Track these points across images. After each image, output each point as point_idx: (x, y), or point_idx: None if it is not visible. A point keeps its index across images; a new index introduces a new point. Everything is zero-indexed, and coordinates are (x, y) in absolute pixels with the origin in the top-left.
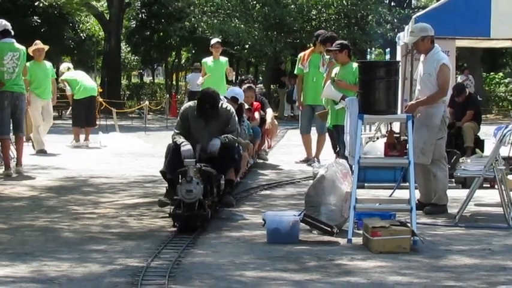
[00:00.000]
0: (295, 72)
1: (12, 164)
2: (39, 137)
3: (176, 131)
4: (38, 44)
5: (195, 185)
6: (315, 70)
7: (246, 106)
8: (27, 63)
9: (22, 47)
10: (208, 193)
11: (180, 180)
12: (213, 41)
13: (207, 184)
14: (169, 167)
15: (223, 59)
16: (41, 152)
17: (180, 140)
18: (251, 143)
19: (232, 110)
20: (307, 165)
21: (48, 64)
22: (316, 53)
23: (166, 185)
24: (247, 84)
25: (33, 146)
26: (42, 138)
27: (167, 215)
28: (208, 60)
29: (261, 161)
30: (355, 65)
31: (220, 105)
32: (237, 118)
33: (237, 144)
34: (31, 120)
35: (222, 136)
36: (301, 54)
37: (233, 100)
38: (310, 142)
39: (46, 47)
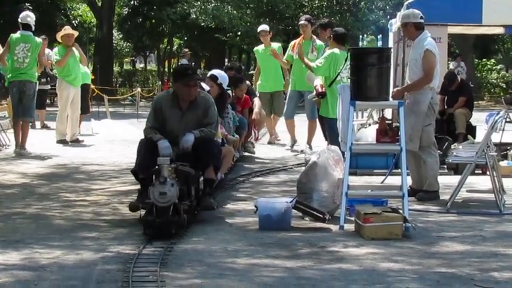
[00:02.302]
0: (285, 58)
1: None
2: (62, 127)
3: (149, 125)
4: (67, 30)
5: (170, 187)
6: (305, 57)
7: (233, 94)
8: (55, 49)
9: (37, 39)
10: (185, 196)
11: (153, 181)
12: (259, 28)
13: (183, 186)
14: (142, 166)
15: (276, 45)
16: (61, 142)
17: (156, 136)
18: (237, 135)
19: (212, 99)
20: (299, 152)
21: (76, 51)
22: (306, 40)
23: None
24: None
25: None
26: (65, 128)
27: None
28: (259, 48)
29: (248, 154)
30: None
31: (198, 93)
32: (216, 109)
33: (216, 139)
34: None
35: (197, 130)
36: (292, 42)
37: (211, 79)
38: (293, 127)
39: (76, 33)
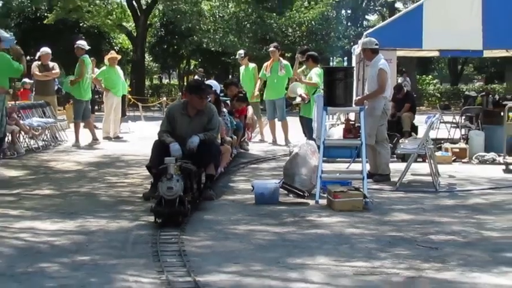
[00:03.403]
0: (260, 76)
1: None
2: (107, 127)
3: (162, 129)
4: (113, 54)
5: (175, 182)
6: (275, 74)
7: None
8: (103, 68)
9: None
10: (188, 189)
11: (160, 178)
12: (237, 53)
13: (187, 181)
14: (155, 163)
15: (252, 65)
16: (106, 138)
17: (169, 139)
18: (235, 136)
19: (215, 109)
20: (284, 146)
21: (119, 69)
22: (275, 62)
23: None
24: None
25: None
26: (110, 128)
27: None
28: (241, 68)
29: (243, 150)
30: (319, 69)
31: (206, 100)
32: (218, 116)
33: (217, 141)
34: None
35: (202, 134)
36: (265, 64)
37: (210, 87)
38: (274, 126)
39: (119, 56)
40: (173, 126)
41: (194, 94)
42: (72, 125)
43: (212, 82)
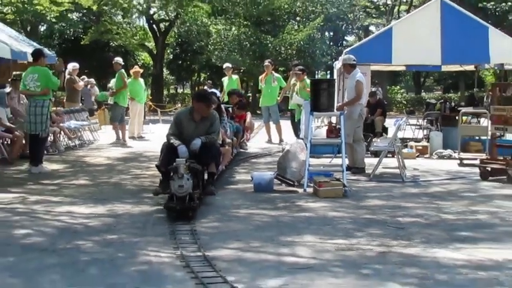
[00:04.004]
0: (259, 87)
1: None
2: (132, 128)
3: (170, 132)
4: (136, 68)
5: (186, 181)
6: (269, 85)
7: (230, 109)
8: (129, 80)
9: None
10: (196, 186)
11: (172, 175)
12: (224, 65)
13: (194, 179)
14: (164, 162)
15: (235, 76)
16: (132, 138)
17: (177, 141)
18: (235, 138)
19: (217, 115)
20: (278, 144)
21: (142, 80)
22: (269, 75)
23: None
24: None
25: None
26: (134, 129)
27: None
28: (224, 79)
29: (242, 150)
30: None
31: (210, 108)
32: (219, 121)
33: (217, 143)
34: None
35: (203, 136)
36: (260, 77)
37: (213, 94)
38: (269, 128)
39: (141, 70)
40: (180, 130)
41: (202, 102)
42: (103, 127)
43: (214, 91)
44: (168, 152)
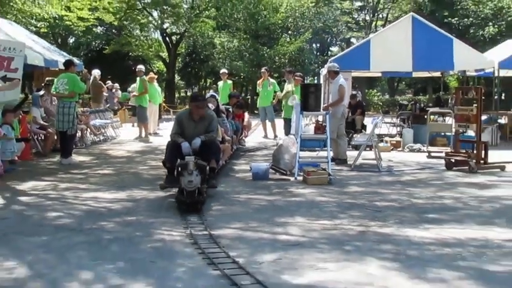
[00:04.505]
0: (257, 91)
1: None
2: (149, 126)
3: (173, 131)
4: (152, 74)
5: (195, 177)
6: (265, 89)
7: (230, 109)
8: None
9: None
10: (203, 181)
11: (180, 171)
12: (221, 71)
13: (201, 174)
14: (169, 159)
15: (229, 81)
16: (150, 134)
17: (180, 139)
18: (234, 135)
19: (215, 115)
20: (273, 139)
21: (157, 85)
22: (265, 80)
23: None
24: (237, 98)
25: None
26: (150, 128)
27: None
28: (220, 83)
29: (241, 146)
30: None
31: (206, 110)
32: (217, 120)
33: (216, 141)
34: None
35: (203, 135)
36: (258, 82)
37: (212, 97)
38: (265, 126)
39: (156, 76)
40: (182, 129)
41: (193, 103)
42: (124, 125)
43: (213, 93)
44: (173, 149)
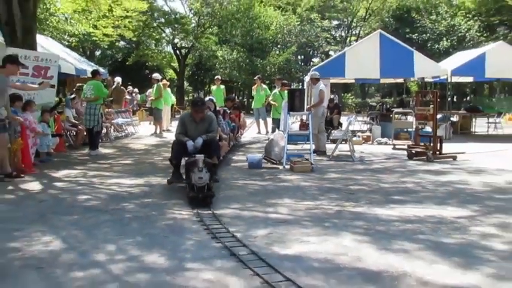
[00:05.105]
0: (252, 95)
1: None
2: (163, 124)
3: (178, 132)
4: (164, 81)
5: (204, 173)
6: (259, 93)
7: (228, 111)
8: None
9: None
10: (211, 177)
11: (189, 168)
12: (215, 77)
13: (209, 171)
14: (175, 156)
15: (222, 86)
16: (163, 131)
17: (185, 138)
18: (231, 133)
19: (214, 116)
20: (265, 135)
21: (169, 90)
22: (258, 86)
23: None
24: (232, 101)
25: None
26: (164, 125)
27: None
28: (213, 87)
29: (237, 142)
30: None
31: (205, 113)
32: (216, 121)
33: (216, 139)
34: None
35: (204, 135)
36: (253, 87)
37: (211, 101)
38: (259, 123)
39: (168, 83)
40: (185, 129)
41: (193, 108)
42: (142, 123)
43: (212, 98)
44: (178, 148)
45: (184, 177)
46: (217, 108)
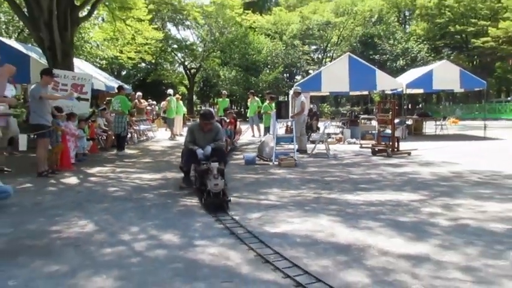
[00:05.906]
0: (247, 106)
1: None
2: (175, 130)
3: (188, 140)
4: (177, 95)
5: (219, 180)
6: (252, 104)
7: (227, 120)
8: (176, 102)
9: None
10: (225, 184)
11: (203, 175)
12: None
13: (223, 177)
14: (186, 164)
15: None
16: (176, 135)
17: (195, 146)
18: (229, 139)
19: (220, 126)
20: (258, 138)
21: (181, 102)
22: (252, 99)
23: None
24: (229, 112)
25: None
26: (176, 131)
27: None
28: (220, 99)
29: (234, 146)
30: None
31: (212, 123)
32: (222, 131)
33: (223, 147)
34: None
35: (213, 144)
36: (248, 100)
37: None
38: (253, 129)
39: (180, 96)
40: (194, 138)
41: (202, 119)
42: (159, 129)
43: (210, 110)
44: (188, 155)
45: (195, 183)
46: (216, 118)
